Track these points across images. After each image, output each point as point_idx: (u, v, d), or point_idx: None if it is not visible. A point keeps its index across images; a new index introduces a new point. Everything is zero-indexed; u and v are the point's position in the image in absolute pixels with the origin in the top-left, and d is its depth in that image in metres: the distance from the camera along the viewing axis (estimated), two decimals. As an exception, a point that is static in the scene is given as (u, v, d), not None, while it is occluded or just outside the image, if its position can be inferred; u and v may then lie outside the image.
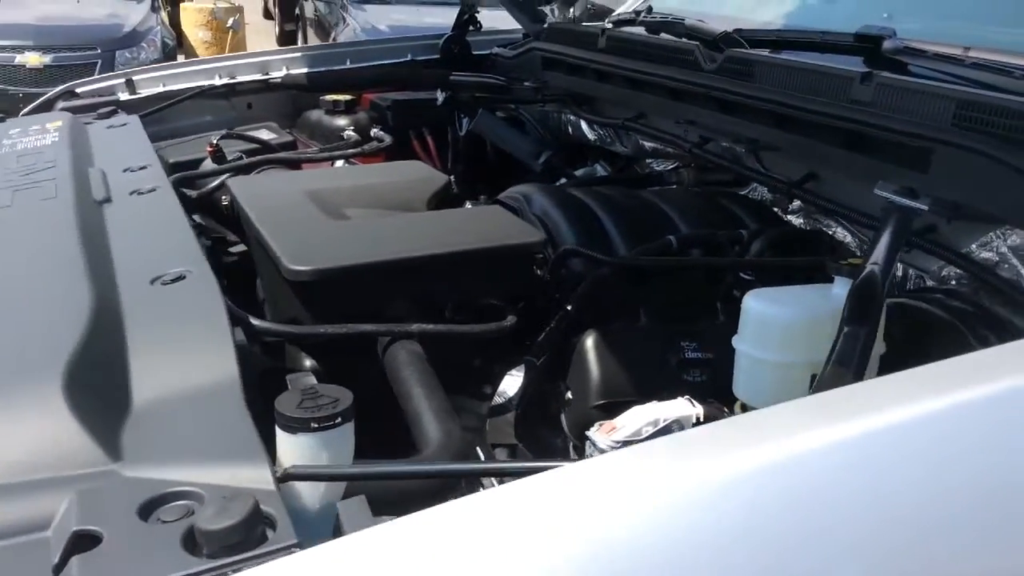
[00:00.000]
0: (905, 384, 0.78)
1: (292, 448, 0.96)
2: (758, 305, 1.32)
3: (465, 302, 1.58)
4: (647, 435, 1.27)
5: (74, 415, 0.88)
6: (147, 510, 0.79)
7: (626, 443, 1.26)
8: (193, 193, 2.08)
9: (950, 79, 1.56)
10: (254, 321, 1.40)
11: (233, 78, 2.63)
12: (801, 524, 0.69)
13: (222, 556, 0.72)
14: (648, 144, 2.22)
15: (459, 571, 0.61)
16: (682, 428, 1.29)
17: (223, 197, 2.03)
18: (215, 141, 2.20)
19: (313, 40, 9.85)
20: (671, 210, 1.84)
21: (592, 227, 1.77)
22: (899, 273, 1.59)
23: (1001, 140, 1.35)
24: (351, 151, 2.37)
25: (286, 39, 11.99)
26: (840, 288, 1.22)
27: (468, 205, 2.01)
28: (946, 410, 0.74)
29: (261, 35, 12.82)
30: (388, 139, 2.45)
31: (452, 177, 2.38)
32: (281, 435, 0.97)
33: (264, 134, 2.44)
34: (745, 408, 1.32)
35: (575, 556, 0.63)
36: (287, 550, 0.71)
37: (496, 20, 3.08)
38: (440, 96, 2.52)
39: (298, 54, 2.74)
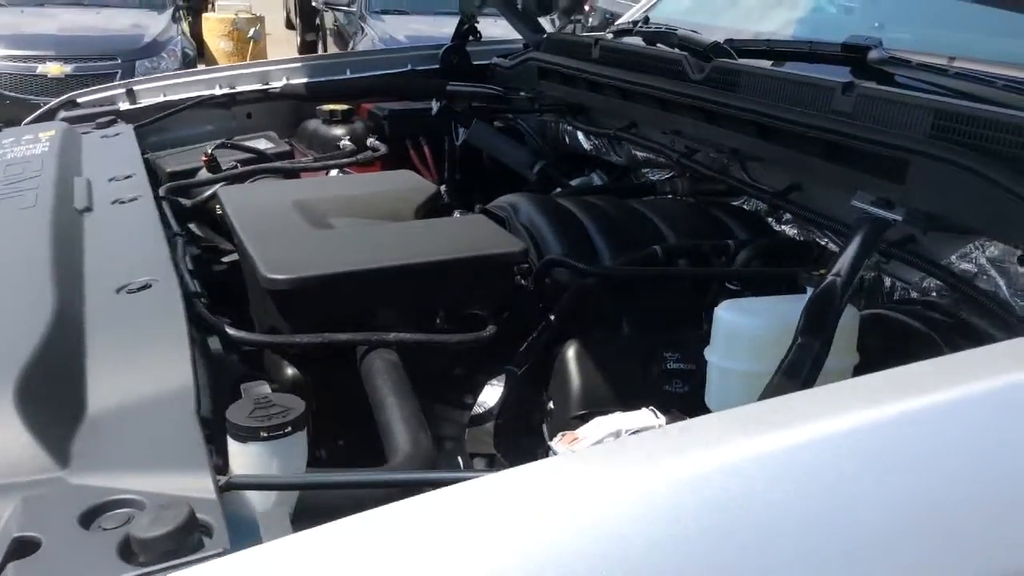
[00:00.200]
0: (842, 394, 0.77)
1: (242, 457, 0.97)
2: (728, 315, 1.32)
3: (449, 311, 1.59)
4: (609, 446, 1.27)
5: (24, 423, 0.88)
6: (89, 517, 0.79)
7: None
8: (187, 202, 2.10)
9: (933, 89, 1.56)
10: (230, 330, 1.41)
11: (233, 88, 2.64)
12: (726, 535, 0.68)
13: (156, 563, 0.73)
14: (640, 154, 2.22)
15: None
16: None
17: (217, 206, 2.04)
18: (210, 151, 2.22)
19: (332, 50, 9.91)
20: (659, 220, 1.84)
21: (578, 237, 1.78)
22: (887, 284, 1.59)
23: (977, 151, 1.34)
24: (345, 160, 2.39)
25: (307, 49, 12.07)
26: (812, 298, 1.22)
27: (456, 214, 2.01)
28: (881, 421, 0.73)
29: (283, 45, 12.93)
30: (383, 148, 2.46)
31: (443, 187, 2.40)
32: (232, 444, 0.97)
33: (262, 143, 2.46)
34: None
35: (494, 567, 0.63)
36: (219, 557, 0.72)
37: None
38: (435, 106, 2.53)
39: (298, 64, 2.75)
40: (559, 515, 0.66)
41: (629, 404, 1.42)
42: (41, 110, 2.45)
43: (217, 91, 2.63)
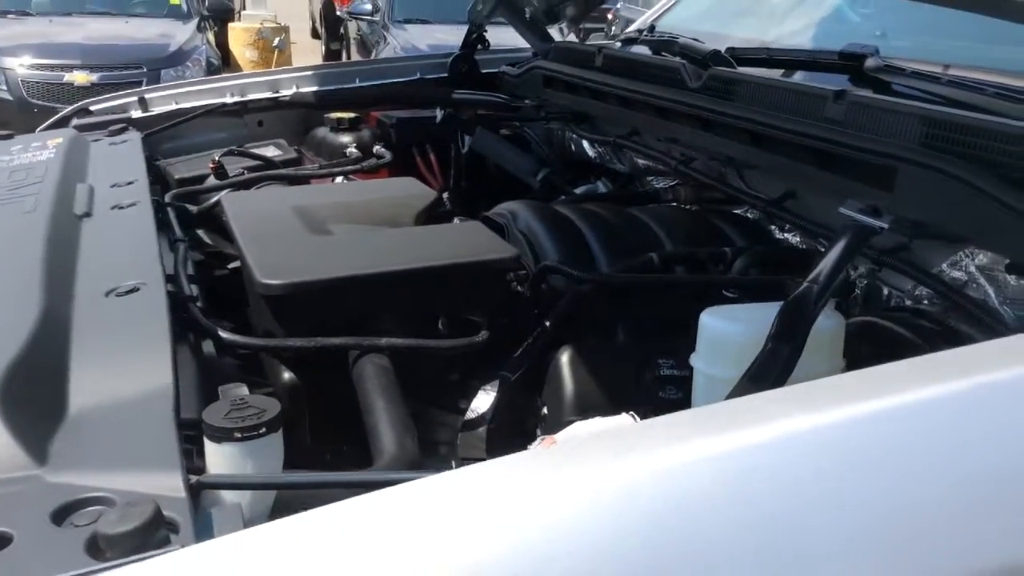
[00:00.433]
0: (797, 396, 0.78)
1: (218, 457, 0.99)
2: (712, 322, 1.33)
3: (443, 316, 1.60)
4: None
5: (3, 422, 0.91)
6: (61, 514, 0.81)
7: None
8: (194, 208, 2.13)
9: (927, 97, 1.56)
10: (223, 334, 1.43)
11: (244, 96, 2.68)
12: (674, 536, 0.69)
13: (121, 559, 0.74)
14: (641, 162, 2.23)
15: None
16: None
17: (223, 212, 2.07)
18: (217, 158, 2.25)
19: (355, 59, 9.99)
20: (658, 227, 1.85)
21: (576, 243, 1.79)
22: (886, 292, 1.59)
23: (967, 159, 1.34)
24: (350, 168, 2.41)
25: (331, 58, 12.18)
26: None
27: (457, 221, 2.03)
28: (841, 422, 0.74)
29: (308, 54, 13.04)
30: (388, 156, 2.49)
31: (446, 194, 2.42)
32: (208, 444, 0.99)
33: (270, 151, 2.49)
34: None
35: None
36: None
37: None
38: (439, 114, 2.55)
39: (308, 73, 2.78)
40: (498, 517, 0.67)
41: (622, 410, 1.42)
42: (55, 118, 2.49)
43: (228, 99, 2.66)
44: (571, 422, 1.50)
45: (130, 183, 1.69)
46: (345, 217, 1.81)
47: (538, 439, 1.30)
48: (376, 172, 2.46)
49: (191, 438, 1.02)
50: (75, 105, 2.56)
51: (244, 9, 12.68)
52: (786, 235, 1.88)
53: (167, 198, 2.04)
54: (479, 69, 2.91)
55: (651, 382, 1.57)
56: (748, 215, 1.99)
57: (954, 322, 1.39)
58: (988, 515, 0.72)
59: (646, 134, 2.16)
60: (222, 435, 0.97)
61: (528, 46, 2.89)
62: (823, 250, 1.74)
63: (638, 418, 1.30)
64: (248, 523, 0.91)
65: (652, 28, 2.46)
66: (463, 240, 1.69)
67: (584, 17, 2.81)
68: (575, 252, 1.75)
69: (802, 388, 0.78)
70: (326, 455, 1.51)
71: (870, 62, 1.69)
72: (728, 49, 2.01)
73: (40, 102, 6.97)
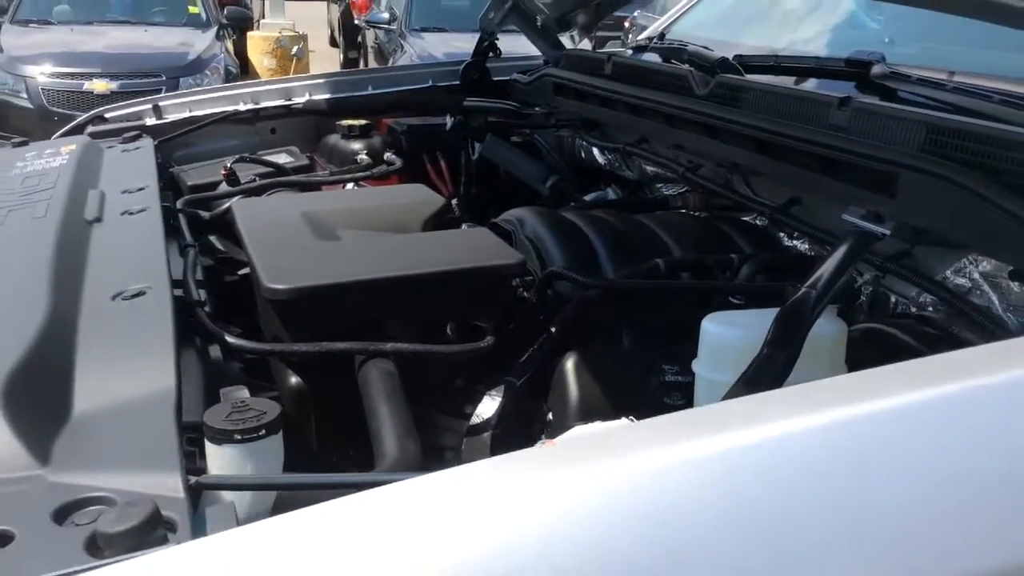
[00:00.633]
0: (787, 398, 0.78)
1: (218, 459, 1.00)
2: (714, 328, 1.33)
3: (449, 322, 1.61)
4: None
5: (7, 422, 0.92)
6: (63, 514, 0.83)
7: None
8: (206, 214, 2.15)
9: (933, 104, 1.56)
10: (229, 338, 1.45)
11: (257, 104, 2.70)
12: (661, 537, 0.69)
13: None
14: (650, 169, 2.24)
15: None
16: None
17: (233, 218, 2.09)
18: (229, 164, 2.28)
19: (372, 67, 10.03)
20: (665, 234, 1.85)
21: (582, 250, 1.79)
22: (893, 299, 1.59)
23: (970, 165, 1.34)
24: (360, 174, 2.43)
25: (349, 66, 12.25)
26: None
27: (465, 227, 2.04)
28: (825, 425, 0.74)
29: (326, 63, 13.12)
30: (399, 162, 2.50)
31: (456, 200, 2.43)
32: (209, 446, 1.01)
33: (282, 158, 2.51)
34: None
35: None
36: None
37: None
38: (449, 121, 2.57)
39: (320, 80, 2.81)
40: (486, 517, 0.67)
41: (626, 416, 1.43)
42: (70, 125, 2.53)
43: (241, 107, 2.68)
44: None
45: (141, 189, 1.72)
46: (353, 223, 1.82)
47: (539, 444, 1.31)
48: (386, 179, 2.47)
49: (194, 440, 1.04)
50: (90, 113, 2.59)
51: (263, 18, 12.77)
52: (794, 242, 1.88)
53: (179, 204, 2.06)
54: (491, 77, 2.92)
55: (656, 388, 1.57)
56: (757, 222, 1.99)
57: (958, 329, 1.39)
58: (976, 517, 0.72)
59: (654, 141, 2.17)
60: (222, 437, 0.99)
61: (540, 54, 2.90)
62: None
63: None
64: (244, 523, 0.92)
65: (662, 36, 2.47)
66: (469, 246, 1.69)
67: (595, 25, 2.82)
68: (582, 258, 1.75)
69: (791, 391, 0.78)
70: (332, 459, 1.53)
71: (876, 69, 1.69)
72: (736, 56, 2.02)
73: (60, 110, 7.04)
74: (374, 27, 9.89)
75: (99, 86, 7.24)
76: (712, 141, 1.88)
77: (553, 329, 1.60)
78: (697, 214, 2.13)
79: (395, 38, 9.05)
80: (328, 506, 0.69)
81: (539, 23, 2.79)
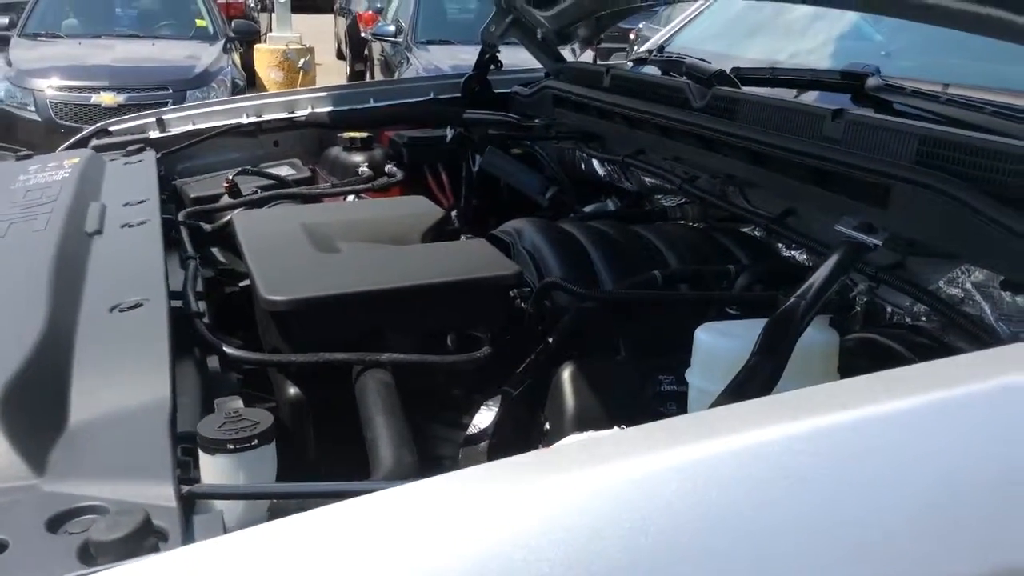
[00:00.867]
0: (773, 406, 0.79)
1: (212, 468, 1.01)
2: (706, 338, 1.34)
3: (447, 333, 1.63)
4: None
5: (3, 432, 0.94)
6: (57, 522, 0.84)
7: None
8: (208, 227, 2.17)
9: (926, 116, 1.57)
10: (227, 349, 1.46)
11: (260, 116, 2.72)
12: (644, 546, 0.70)
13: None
14: (648, 180, 2.25)
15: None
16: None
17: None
18: (231, 177, 2.30)
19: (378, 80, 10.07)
20: (663, 245, 1.86)
21: (580, 261, 1.80)
22: (889, 310, 1.59)
23: (961, 177, 1.35)
24: (361, 186, 2.44)
25: (356, 79, 12.29)
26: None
27: (464, 239, 2.05)
28: (802, 434, 0.75)
29: (333, 75, 13.18)
30: (399, 174, 2.52)
31: (454, 212, 2.44)
32: (202, 456, 1.02)
33: (284, 170, 2.53)
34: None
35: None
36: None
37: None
38: (449, 133, 2.58)
39: (323, 93, 2.83)
40: (468, 524, 0.68)
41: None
42: (74, 138, 2.55)
43: (244, 120, 2.70)
44: (571, 438, 1.52)
45: (142, 202, 1.73)
46: (353, 235, 1.84)
47: (534, 452, 1.32)
48: (387, 191, 2.49)
49: (189, 451, 1.05)
50: (95, 126, 2.61)
51: (270, 31, 12.84)
52: (793, 253, 1.89)
53: (181, 216, 2.08)
54: (492, 89, 2.94)
55: (652, 398, 1.58)
56: (755, 233, 2.00)
57: (951, 339, 1.39)
58: (958, 523, 0.73)
59: (653, 153, 2.18)
60: (216, 447, 1.00)
61: (541, 66, 2.92)
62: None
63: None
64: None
65: (662, 49, 2.48)
66: (466, 257, 1.71)
67: (596, 38, 2.84)
68: (579, 269, 1.76)
69: (776, 399, 0.79)
70: (331, 470, 1.53)
71: (871, 81, 1.71)
72: (733, 69, 2.03)
73: (68, 123, 7.07)
74: (380, 40, 9.92)
75: (107, 99, 7.28)
76: (709, 153, 1.90)
77: (550, 340, 1.61)
78: (695, 225, 2.14)
79: (401, 51, 9.08)
80: (316, 513, 0.70)
81: (540, 36, 2.81)
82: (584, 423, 1.53)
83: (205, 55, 8.32)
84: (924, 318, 1.48)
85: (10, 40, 8.32)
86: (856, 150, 1.51)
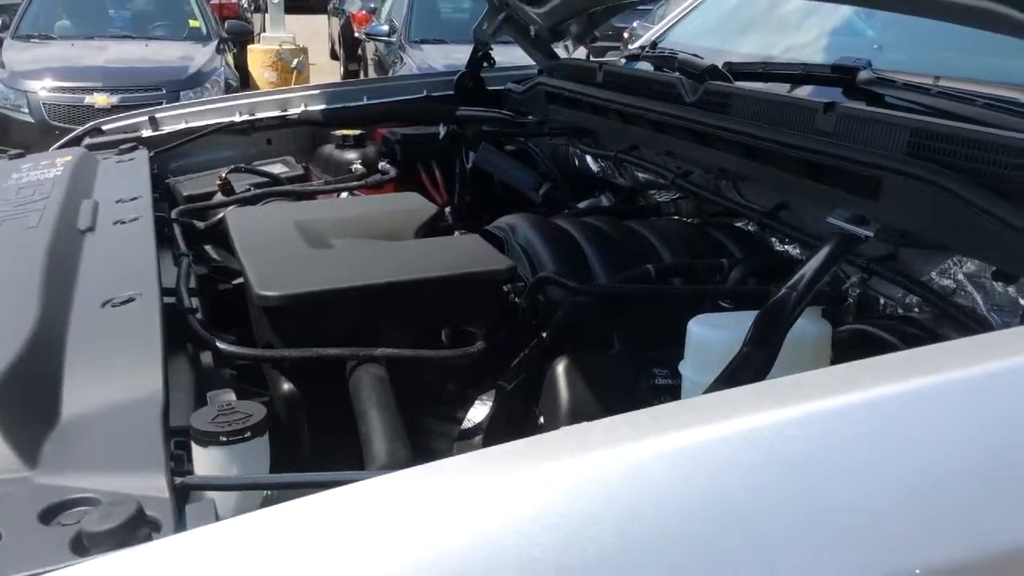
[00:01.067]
0: (755, 394, 0.80)
1: (205, 460, 1.02)
2: (699, 330, 1.34)
3: (440, 327, 1.63)
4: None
5: None
6: (49, 514, 0.84)
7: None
8: (201, 224, 2.17)
9: (918, 108, 1.58)
10: (220, 345, 1.46)
11: (253, 115, 2.72)
12: (636, 532, 0.70)
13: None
14: (642, 175, 2.25)
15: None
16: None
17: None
18: (224, 175, 2.30)
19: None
20: (656, 240, 1.86)
21: (573, 256, 1.80)
22: (882, 302, 1.60)
23: (952, 168, 1.35)
24: (354, 183, 2.45)
25: (350, 79, 12.29)
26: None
27: (457, 235, 2.05)
28: (791, 419, 0.75)
29: (327, 75, 13.17)
30: (393, 171, 2.52)
31: (448, 208, 2.45)
32: (195, 448, 1.02)
33: (277, 168, 2.53)
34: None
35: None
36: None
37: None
38: (442, 130, 2.58)
39: (316, 91, 2.82)
40: (464, 512, 0.69)
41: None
42: (67, 137, 2.54)
43: (237, 118, 2.70)
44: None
45: (134, 199, 1.73)
46: (346, 231, 1.84)
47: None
48: (380, 188, 2.49)
49: (183, 444, 1.05)
50: (87, 125, 2.60)
51: (263, 31, 12.84)
52: (786, 247, 1.89)
53: (174, 214, 2.08)
54: (485, 86, 2.94)
55: (646, 391, 1.58)
56: (749, 227, 2.00)
57: (943, 329, 1.40)
58: (945, 508, 0.73)
59: (646, 148, 2.18)
60: (208, 439, 1.00)
61: (534, 64, 2.92)
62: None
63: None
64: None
65: (654, 45, 2.49)
66: (459, 252, 1.71)
67: (588, 34, 2.84)
68: (572, 264, 1.76)
69: (765, 385, 0.79)
70: (325, 464, 1.53)
71: (862, 75, 1.71)
72: (725, 64, 2.04)
73: (61, 124, 7.04)
74: (374, 39, 9.93)
75: (100, 100, 7.26)
76: (701, 147, 1.90)
77: (544, 334, 1.62)
78: (689, 220, 2.14)
79: (395, 50, 9.08)
80: (309, 500, 0.70)
81: (533, 33, 2.81)
82: (578, 417, 1.53)
83: (198, 56, 8.30)
84: (916, 309, 1.48)
85: (2, 42, 8.30)
86: (848, 143, 1.52)
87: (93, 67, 7.71)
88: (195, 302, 1.55)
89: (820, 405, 0.75)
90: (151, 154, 2.35)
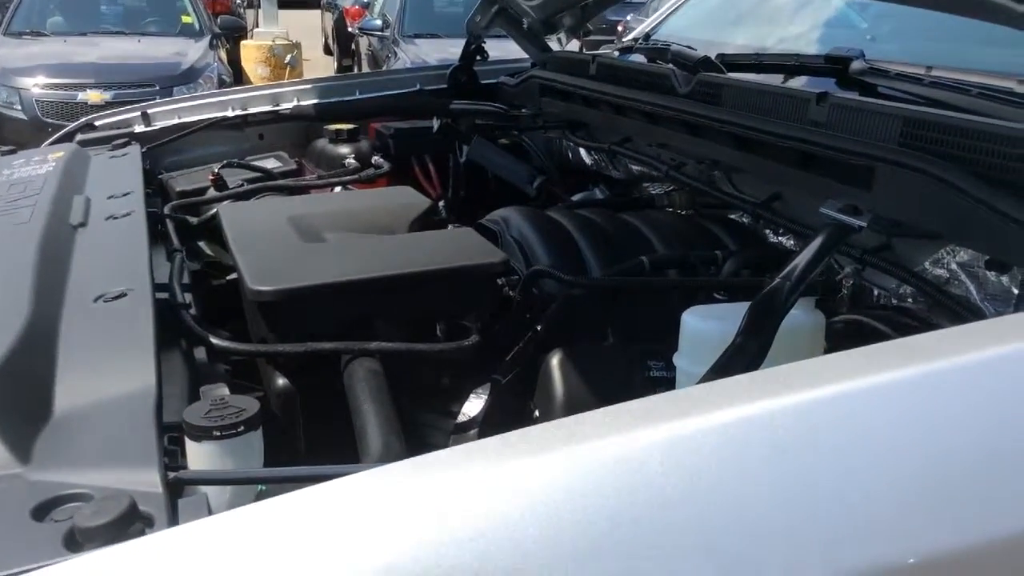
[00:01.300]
0: (747, 383, 0.80)
1: (198, 455, 1.01)
2: (693, 321, 1.34)
3: (434, 321, 1.62)
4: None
5: None
6: (42, 510, 0.84)
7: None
8: (194, 220, 2.16)
9: (911, 98, 1.57)
10: (214, 340, 1.46)
11: (245, 110, 2.71)
12: (629, 517, 0.70)
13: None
14: (636, 168, 2.25)
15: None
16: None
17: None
18: (217, 170, 2.29)
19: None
20: (650, 232, 1.87)
21: (567, 249, 1.80)
22: (876, 292, 1.60)
23: (945, 158, 1.35)
24: (348, 178, 2.44)
25: (344, 73, 12.27)
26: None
27: (450, 228, 2.05)
28: (778, 409, 0.75)
29: (320, 70, 13.13)
30: (386, 166, 2.51)
31: (442, 202, 2.44)
32: (189, 443, 1.02)
33: (271, 163, 2.52)
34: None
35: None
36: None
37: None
38: (435, 123, 2.58)
39: (308, 86, 2.81)
40: (455, 503, 0.68)
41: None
42: (59, 133, 2.53)
43: (230, 113, 2.69)
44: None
45: (126, 194, 1.72)
46: (339, 225, 1.83)
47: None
48: (374, 182, 2.48)
49: (176, 440, 1.05)
50: (80, 121, 2.60)
51: (256, 27, 12.80)
52: (780, 238, 1.89)
53: (167, 210, 2.07)
54: (478, 80, 2.94)
55: (641, 384, 1.58)
56: (743, 219, 2.00)
57: (937, 319, 1.40)
58: (938, 496, 0.73)
59: (639, 140, 2.18)
60: (202, 433, 1.00)
61: (527, 57, 2.91)
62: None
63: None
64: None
65: (648, 37, 2.48)
66: (453, 246, 1.70)
67: (581, 27, 2.84)
68: (566, 257, 1.76)
69: (758, 375, 0.79)
70: (320, 459, 1.53)
71: (855, 65, 1.71)
72: (718, 56, 2.03)
73: (54, 121, 7.01)
74: (368, 34, 9.92)
75: (93, 96, 7.25)
76: (695, 139, 1.90)
77: (538, 327, 1.61)
78: (683, 212, 2.14)
79: (388, 45, 9.07)
80: (301, 494, 0.70)
81: (525, 26, 2.80)
82: (573, 409, 1.52)
83: (191, 51, 8.29)
84: (910, 299, 1.48)
85: (-6, 39, 8.29)
86: (841, 133, 1.51)
87: (86, 63, 7.68)
88: (188, 297, 1.54)
89: (813, 394, 0.75)
90: (144, 150, 2.34)
